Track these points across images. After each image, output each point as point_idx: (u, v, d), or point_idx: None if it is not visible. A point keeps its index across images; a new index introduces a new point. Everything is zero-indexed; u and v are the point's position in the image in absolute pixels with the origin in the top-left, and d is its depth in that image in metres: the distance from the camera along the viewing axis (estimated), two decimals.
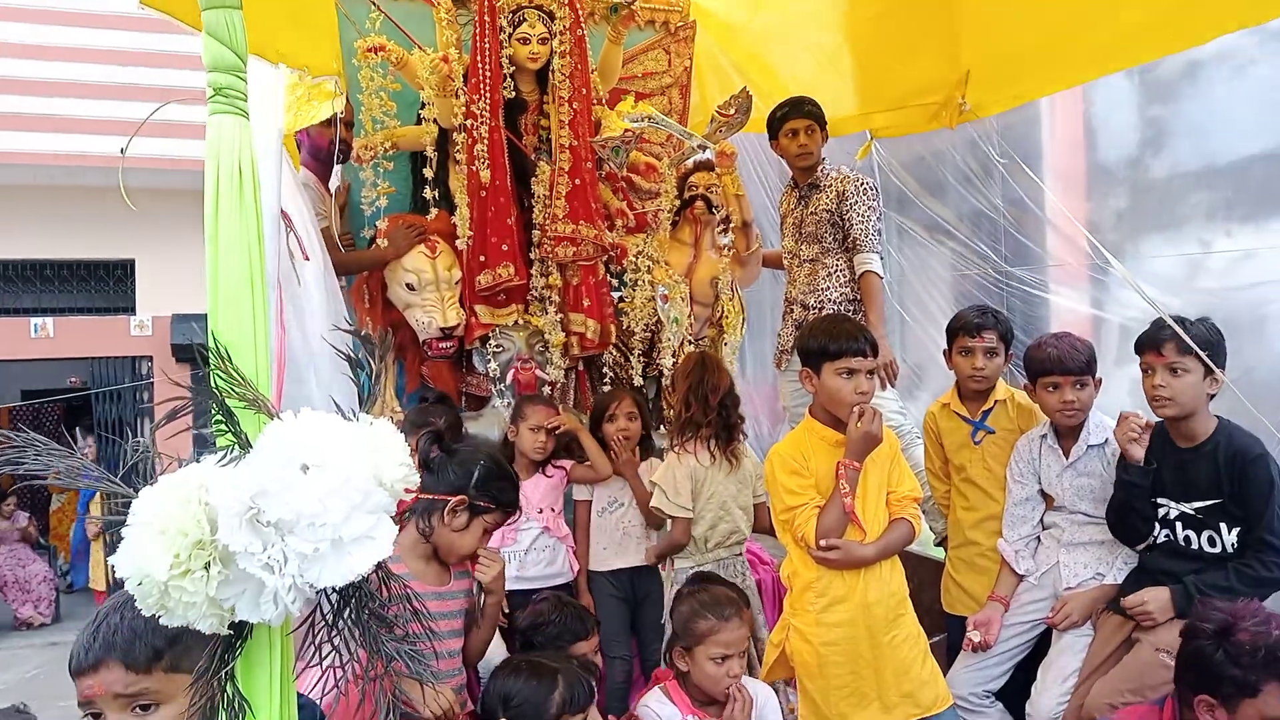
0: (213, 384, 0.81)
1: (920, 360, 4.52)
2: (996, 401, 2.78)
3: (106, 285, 8.65)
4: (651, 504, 2.94)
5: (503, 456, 2.36)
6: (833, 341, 2.31)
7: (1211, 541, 2.22)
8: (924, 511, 3.06)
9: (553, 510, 3.11)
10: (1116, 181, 3.92)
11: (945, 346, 2.86)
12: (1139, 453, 2.30)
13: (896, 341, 4.39)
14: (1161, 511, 2.30)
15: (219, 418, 0.83)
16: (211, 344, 0.81)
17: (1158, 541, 2.34)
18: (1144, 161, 3.82)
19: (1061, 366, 2.47)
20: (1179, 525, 2.28)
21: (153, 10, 1.66)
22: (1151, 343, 2.28)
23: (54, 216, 7.73)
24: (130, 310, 8.55)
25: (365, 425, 0.88)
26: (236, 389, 0.83)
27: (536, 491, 3.10)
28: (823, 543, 2.23)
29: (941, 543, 3.09)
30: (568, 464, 3.18)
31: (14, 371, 8.99)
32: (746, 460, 3.02)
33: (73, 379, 9.82)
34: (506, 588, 3.00)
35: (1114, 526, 2.42)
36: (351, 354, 0.94)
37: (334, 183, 3.53)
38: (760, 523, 3.04)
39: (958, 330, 2.81)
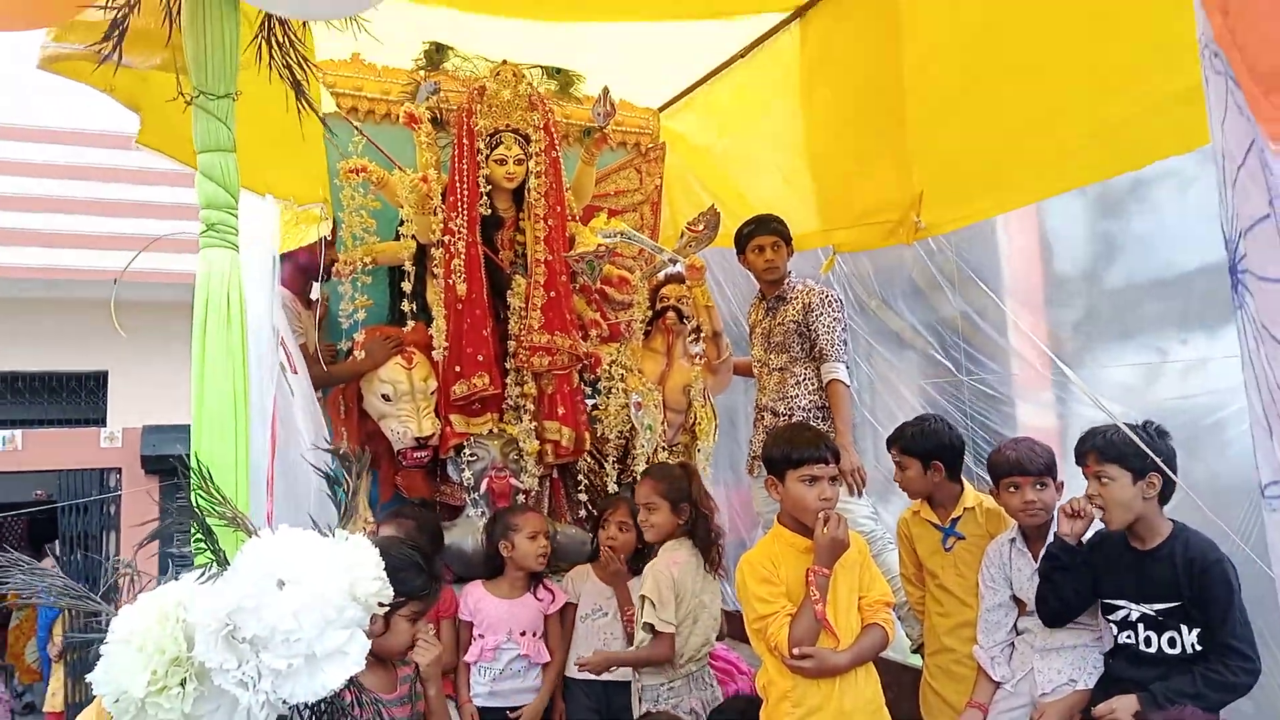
0: (194, 503, 0.84)
1: (889, 466, 4.56)
2: (965, 508, 2.83)
3: (78, 397, 8.60)
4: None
5: (399, 544, 2.33)
6: (794, 450, 2.37)
7: (1172, 643, 2.24)
8: (900, 617, 3.07)
9: (535, 635, 3.07)
10: (1073, 292, 4.07)
11: None
12: (1067, 528, 2.37)
13: (869, 448, 4.44)
14: (1120, 614, 2.33)
15: (198, 536, 0.86)
16: (194, 464, 0.84)
17: (1119, 643, 2.35)
18: (1098, 273, 3.98)
19: (1020, 468, 2.55)
20: (1140, 626, 2.29)
21: (147, 149, 1.76)
22: (1078, 455, 2.37)
23: (28, 329, 7.74)
24: (101, 422, 8.48)
25: (341, 541, 0.91)
26: (217, 508, 0.86)
27: (525, 612, 3.07)
28: (796, 651, 2.23)
29: (919, 650, 3.08)
30: (556, 588, 3.16)
31: None
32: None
33: (38, 492, 9.61)
34: (480, 704, 2.97)
35: (1036, 602, 2.46)
36: (329, 471, 0.97)
37: (313, 297, 3.61)
38: (722, 628, 3.02)
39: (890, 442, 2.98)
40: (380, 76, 3.80)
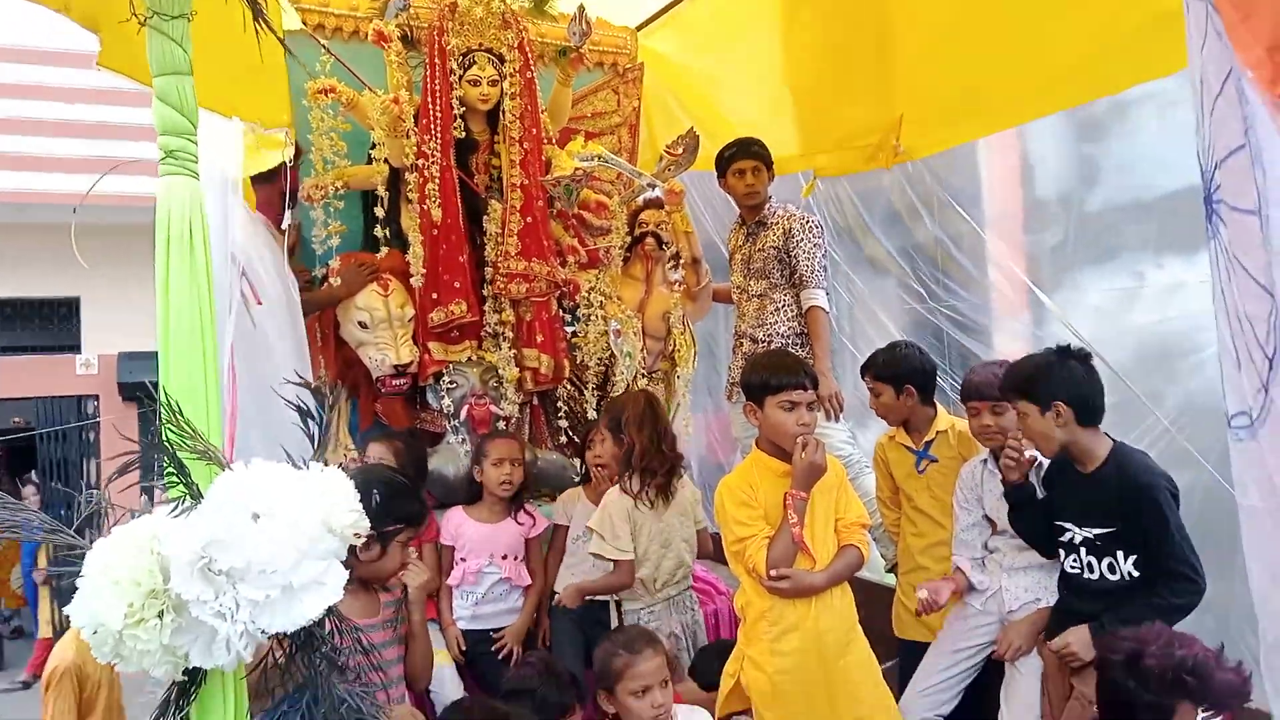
0: (164, 437, 0.84)
1: (865, 394, 4.61)
2: (938, 431, 2.88)
3: (51, 324, 8.47)
4: (590, 549, 2.91)
5: (393, 472, 2.35)
6: (773, 376, 2.38)
7: (1112, 569, 2.26)
8: (875, 539, 3.15)
9: (516, 559, 3.11)
10: (1052, 217, 4.06)
11: None
12: (1013, 476, 2.43)
13: (847, 374, 4.48)
14: (1066, 536, 2.36)
15: (170, 470, 0.86)
16: (162, 398, 0.83)
17: (1065, 570, 2.39)
18: (1077, 197, 3.97)
19: (978, 392, 2.59)
20: (1082, 551, 2.32)
21: (108, 70, 1.68)
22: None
23: None
24: (75, 349, 8.38)
25: (315, 473, 0.91)
26: (188, 441, 0.86)
27: (504, 535, 3.11)
28: (773, 572, 2.28)
29: (893, 569, 3.17)
30: (536, 513, 3.19)
31: None
32: (684, 490, 3.02)
33: (16, 419, 9.55)
34: (463, 626, 3.03)
35: (1023, 536, 2.52)
36: (301, 404, 0.97)
37: (286, 223, 3.53)
38: (703, 549, 3.07)
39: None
40: None
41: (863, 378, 2.96)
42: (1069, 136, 3.95)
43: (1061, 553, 2.39)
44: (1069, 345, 2.37)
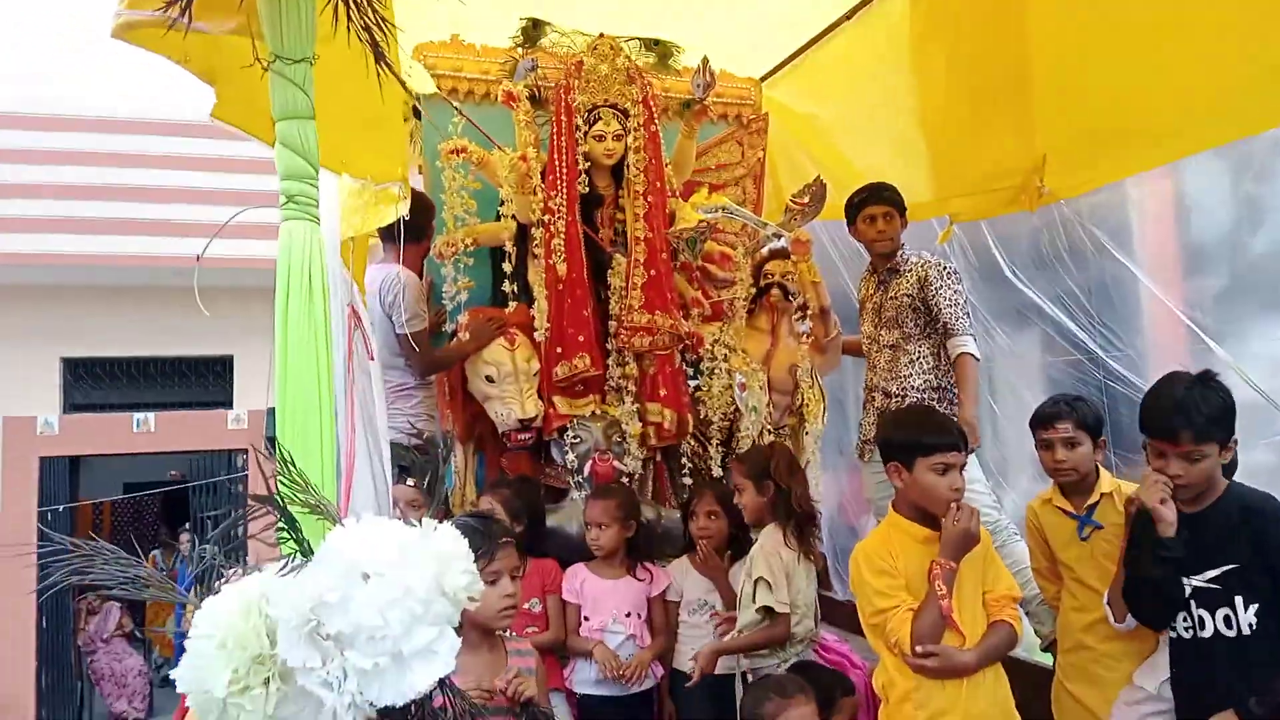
0: (276, 490, 0.80)
1: (1010, 452, 4.32)
2: (1102, 494, 2.61)
3: (206, 381, 9.03)
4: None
5: (466, 516, 2.25)
6: (926, 435, 2.22)
7: (1228, 622, 1.96)
8: (1029, 613, 2.87)
9: (640, 617, 3.00)
10: (1212, 261, 3.75)
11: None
12: (1170, 515, 2.05)
13: (987, 431, 4.22)
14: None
15: (282, 524, 0.82)
16: (278, 451, 0.79)
17: (1175, 635, 2.09)
18: (1241, 240, 3.65)
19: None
20: (1192, 604, 2.03)
21: (222, 123, 1.73)
22: (1162, 432, 2.11)
23: (158, 316, 8.16)
24: (228, 404, 8.89)
25: (429, 530, 0.85)
26: (300, 494, 0.81)
27: (627, 592, 3.01)
28: (919, 649, 2.09)
29: (1049, 647, 2.88)
30: (656, 569, 3.09)
31: (118, 466, 9.38)
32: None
33: (173, 472, 10.18)
34: (587, 691, 2.93)
35: (1138, 609, 2.20)
36: (409, 461, 0.91)
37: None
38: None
39: (1033, 423, 2.68)
40: (479, 56, 3.79)
41: (1047, 427, 2.62)
42: (1225, 174, 3.65)
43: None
44: (1206, 371, 2.13)
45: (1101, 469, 2.68)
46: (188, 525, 9.26)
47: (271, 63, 0.94)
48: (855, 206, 3.52)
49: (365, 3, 1.13)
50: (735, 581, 2.91)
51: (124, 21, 1.43)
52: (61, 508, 7.77)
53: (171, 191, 7.55)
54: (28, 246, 7.34)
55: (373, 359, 2.01)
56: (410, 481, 2.94)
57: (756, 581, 2.72)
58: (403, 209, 2.22)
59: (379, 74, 1.15)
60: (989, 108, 3.15)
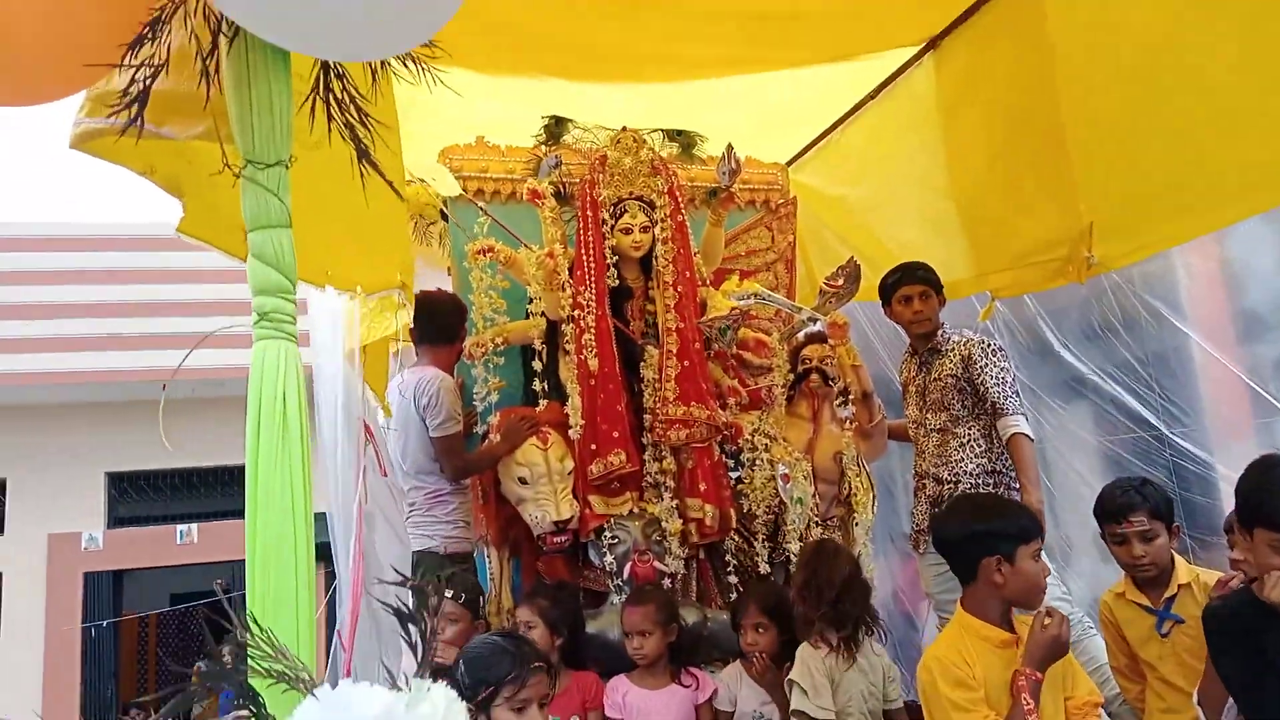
0: (248, 659, 0.69)
1: (1073, 534, 4.08)
2: (1180, 586, 2.40)
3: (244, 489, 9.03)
4: (792, 707, 2.60)
5: (483, 637, 2.08)
6: (1023, 520, 2.08)
7: None
8: (1110, 714, 2.63)
9: None
10: (1268, 326, 3.58)
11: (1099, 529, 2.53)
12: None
13: (1046, 514, 4.00)
14: None
15: (243, 703, 0.71)
16: (249, 608, 0.69)
17: None
18: None
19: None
20: None
21: (188, 237, 1.64)
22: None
23: (198, 426, 8.24)
24: None
25: (419, 693, 0.74)
26: (266, 662, 0.71)
27: (674, 702, 2.82)
28: None
29: None
30: (701, 675, 2.91)
31: (163, 577, 9.35)
32: (877, 659, 2.68)
33: (218, 581, 10.11)
34: None
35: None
36: (404, 607, 0.81)
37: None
38: None
39: (1102, 515, 2.49)
40: (505, 156, 3.81)
41: (1119, 521, 2.42)
42: (1273, 238, 3.51)
43: None
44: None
45: (1177, 557, 2.49)
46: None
47: (243, 169, 0.89)
48: (889, 288, 3.43)
49: (348, 100, 1.08)
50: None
51: (82, 131, 1.34)
52: (105, 623, 7.71)
53: (204, 305, 7.66)
54: (66, 364, 7.49)
55: (385, 474, 1.93)
56: (450, 594, 2.82)
57: (790, 684, 2.58)
58: (404, 317, 2.12)
59: (363, 175, 1.09)
60: (1026, 177, 3.07)
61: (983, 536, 2.07)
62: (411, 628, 0.77)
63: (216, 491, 8.94)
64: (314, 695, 0.70)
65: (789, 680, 2.60)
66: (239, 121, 0.97)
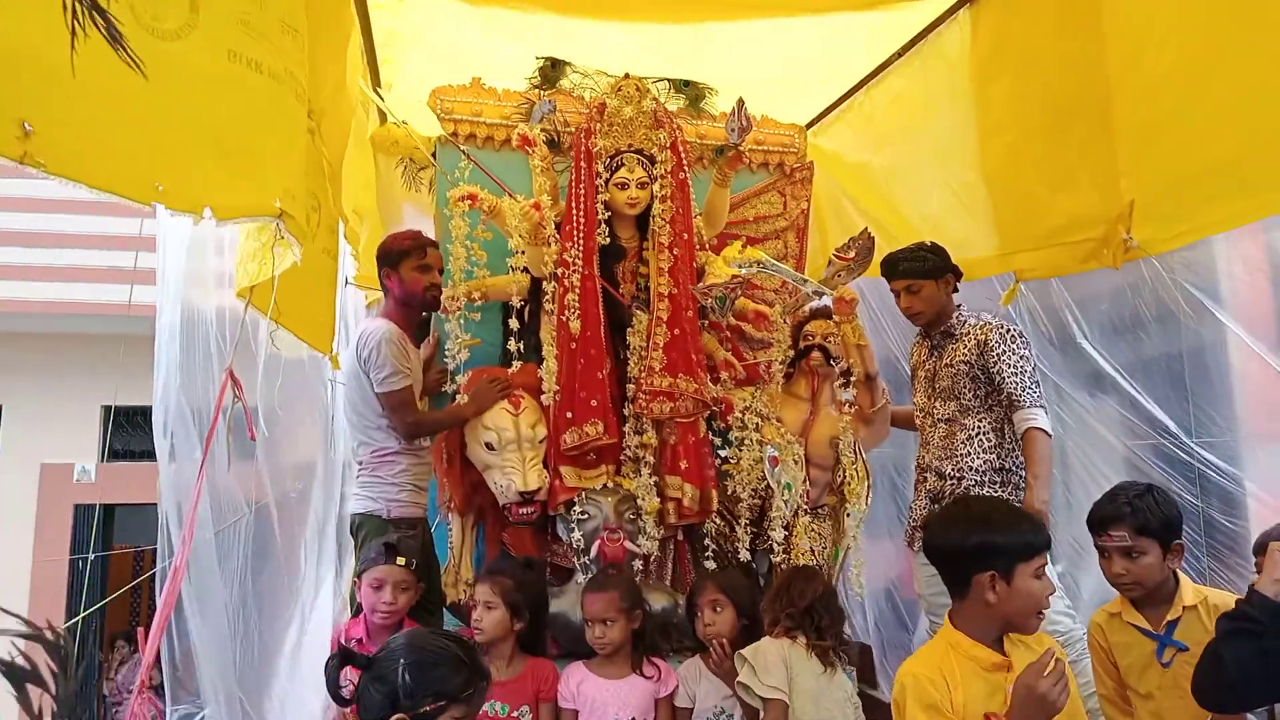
0: None
1: (1087, 542, 3.82)
2: (1185, 608, 2.14)
3: None
4: (738, 679, 2.42)
5: (432, 637, 1.88)
6: (1028, 533, 1.82)
7: None
8: None
9: None
10: None
11: None
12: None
13: (1060, 513, 3.74)
14: None
15: None
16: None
17: None
18: None
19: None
20: None
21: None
22: None
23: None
24: None
25: None
26: None
27: (632, 694, 2.62)
28: None
29: None
30: (665, 666, 2.70)
31: (155, 513, 9.28)
32: (846, 680, 2.49)
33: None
34: None
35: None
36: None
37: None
38: None
39: (1089, 524, 2.25)
40: (500, 100, 3.56)
41: (1104, 531, 2.19)
42: None
43: None
44: None
45: (1183, 577, 2.22)
46: None
47: None
48: (885, 274, 3.17)
49: None
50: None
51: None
52: (93, 555, 7.64)
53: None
54: (68, 294, 7.36)
55: (253, 439, 1.70)
56: (400, 561, 2.62)
57: (740, 659, 2.42)
58: (287, 257, 1.81)
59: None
60: (1064, 149, 2.77)
61: (978, 550, 1.81)
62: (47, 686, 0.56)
63: None
64: None
65: (738, 654, 2.42)
66: None
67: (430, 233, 3.41)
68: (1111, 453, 3.68)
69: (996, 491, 2.91)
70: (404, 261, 3.01)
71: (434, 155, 3.57)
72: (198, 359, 2.64)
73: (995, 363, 2.93)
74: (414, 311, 3.13)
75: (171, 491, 2.69)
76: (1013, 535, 1.81)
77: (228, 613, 2.87)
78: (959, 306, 3.12)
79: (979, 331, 3.01)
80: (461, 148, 3.31)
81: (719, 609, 2.63)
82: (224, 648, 2.78)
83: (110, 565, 8.30)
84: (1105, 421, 3.72)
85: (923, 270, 3.06)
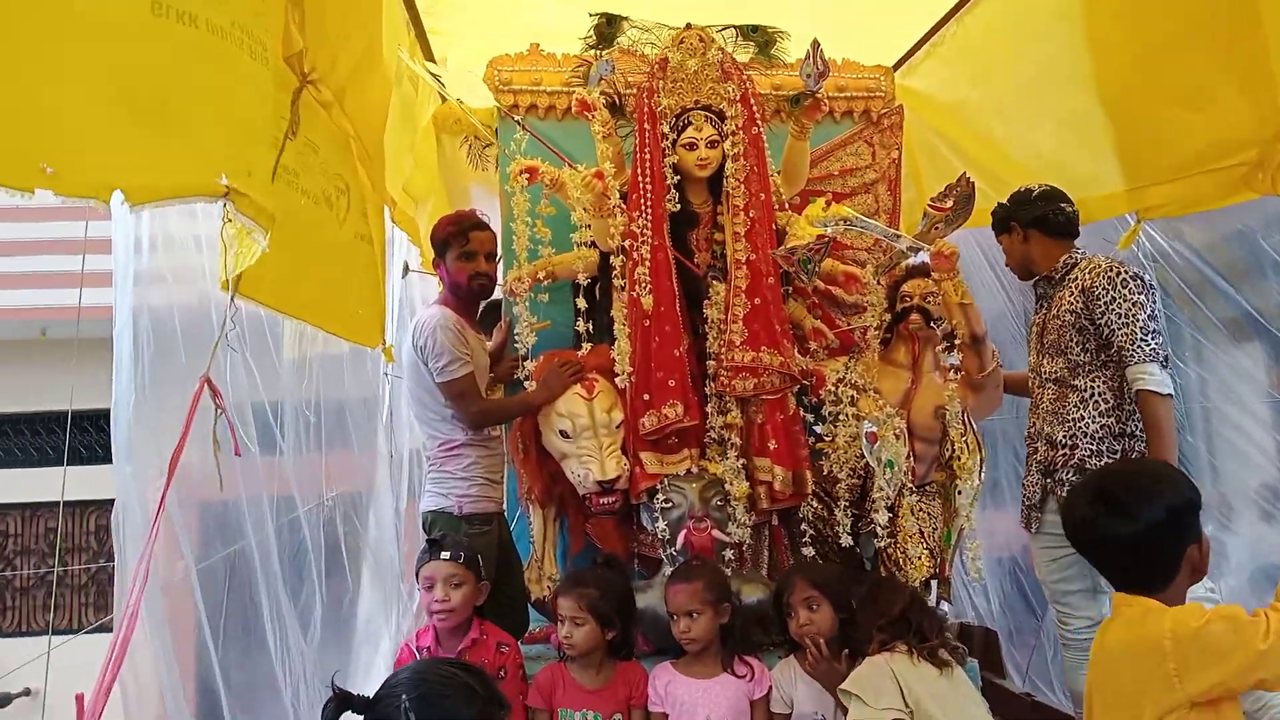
0: None
1: (1234, 500, 3.41)
2: None
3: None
4: (849, 717, 2.21)
5: (438, 667, 1.68)
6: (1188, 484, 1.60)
7: None
8: None
9: None
10: None
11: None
12: None
13: (1201, 471, 3.35)
14: None
15: None
16: None
17: None
18: None
19: None
20: None
21: None
22: None
23: None
24: None
25: None
26: None
27: (723, 694, 2.42)
28: None
29: None
30: (757, 664, 2.49)
31: None
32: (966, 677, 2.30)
33: None
34: None
35: None
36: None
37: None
38: None
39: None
40: (560, 66, 3.38)
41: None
42: None
43: None
44: None
45: None
46: None
47: None
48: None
49: None
50: None
51: None
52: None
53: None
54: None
55: (238, 454, 1.55)
56: (444, 555, 2.46)
57: (846, 694, 2.22)
58: (252, 245, 1.60)
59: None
60: (1202, 60, 2.38)
61: (1180, 523, 1.53)
62: None
63: None
64: None
65: (841, 690, 2.21)
66: None
67: (497, 213, 3.26)
68: (1256, 402, 3.28)
69: (1114, 459, 2.58)
70: (447, 251, 2.88)
71: (495, 131, 3.42)
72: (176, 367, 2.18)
73: (1104, 311, 2.58)
74: (469, 298, 2.99)
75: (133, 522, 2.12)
76: (1192, 489, 1.58)
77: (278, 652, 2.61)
78: (1076, 249, 2.78)
79: (1086, 275, 2.66)
80: (517, 119, 3.13)
81: (815, 606, 2.41)
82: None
83: None
84: (1244, 373, 3.30)
85: (994, 222, 2.82)
